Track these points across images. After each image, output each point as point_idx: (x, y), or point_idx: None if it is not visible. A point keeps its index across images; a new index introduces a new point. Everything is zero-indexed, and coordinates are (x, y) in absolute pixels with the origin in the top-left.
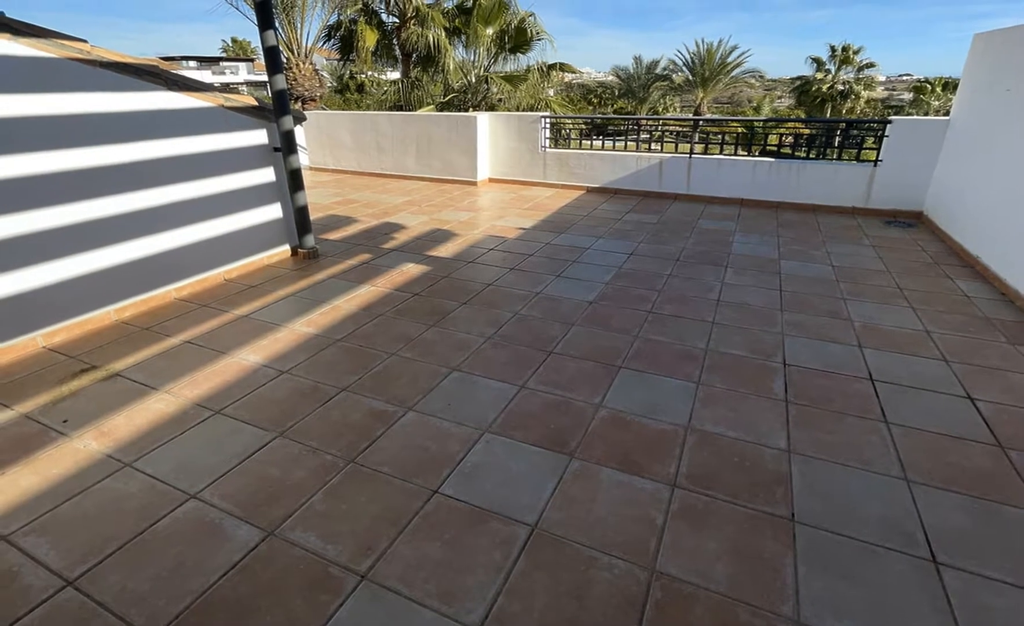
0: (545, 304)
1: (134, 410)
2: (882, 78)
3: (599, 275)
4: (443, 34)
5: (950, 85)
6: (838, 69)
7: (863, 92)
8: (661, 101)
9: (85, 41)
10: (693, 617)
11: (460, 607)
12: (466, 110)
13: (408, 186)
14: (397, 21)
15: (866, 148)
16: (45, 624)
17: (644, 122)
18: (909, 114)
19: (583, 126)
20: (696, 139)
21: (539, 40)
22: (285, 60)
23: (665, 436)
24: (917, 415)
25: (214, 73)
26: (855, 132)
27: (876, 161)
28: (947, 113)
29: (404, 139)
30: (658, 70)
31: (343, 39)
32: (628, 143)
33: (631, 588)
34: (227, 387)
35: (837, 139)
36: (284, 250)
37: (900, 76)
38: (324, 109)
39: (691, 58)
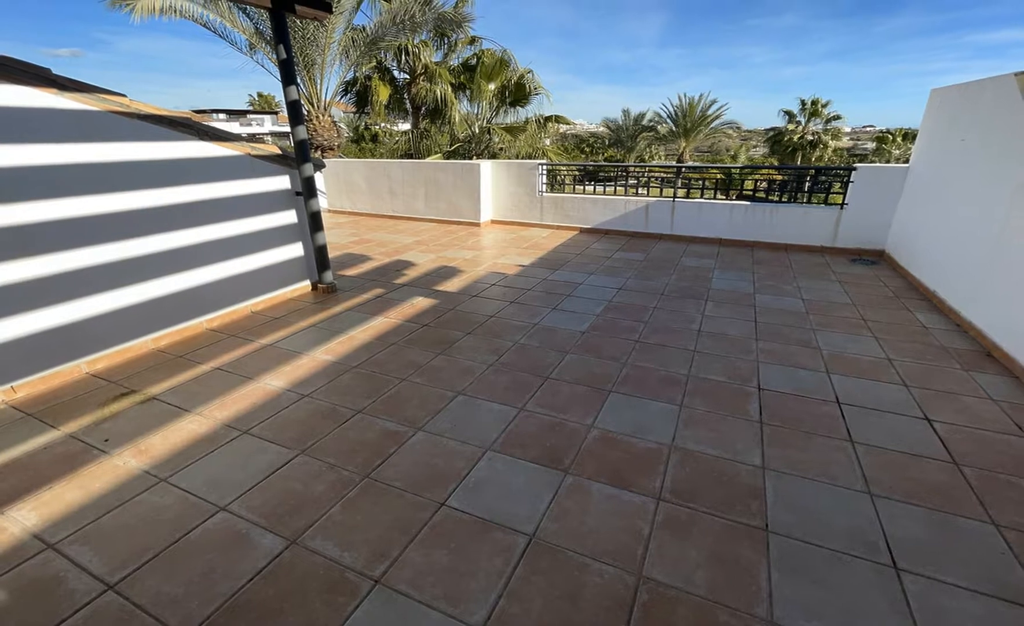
0: (542, 334)
1: (169, 430)
2: (848, 129)
3: (591, 308)
4: (449, 89)
5: (910, 135)
6: (808, 121)
7: (830, 142)
8: (647, 150)
9: (124, 95)
10: (676, 618)
11: (465, 609)
12: (470, 158)
13: (417, 227)
14: (408, 77)
15: (833, 193)
16: (89, 624)
17: (632, 169)
18: (872, 162)
19: (577, 173)
20: (679, 184)
21: (536, 95)
22: (306, 113)
23: (651, 454)
24: (879, 435)
25: (241, 124)
26: (823, 178)
27: (842, 204)
28: (907, 161)
29: (414, 184)
30: (645, 122)
31: (359, 94)
32: (617, 188)
33: (620, 592)
34: (253, 409)
35: (807, 184)
36: (305, 285)
37: (864, 127)
38: (341, 157)
39: (674, 111)
